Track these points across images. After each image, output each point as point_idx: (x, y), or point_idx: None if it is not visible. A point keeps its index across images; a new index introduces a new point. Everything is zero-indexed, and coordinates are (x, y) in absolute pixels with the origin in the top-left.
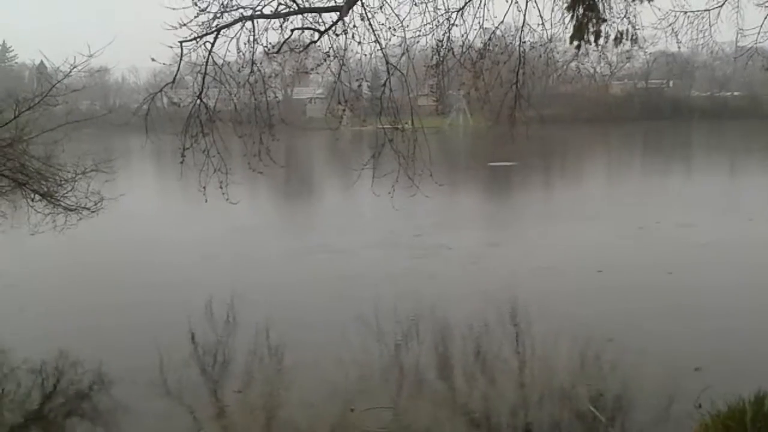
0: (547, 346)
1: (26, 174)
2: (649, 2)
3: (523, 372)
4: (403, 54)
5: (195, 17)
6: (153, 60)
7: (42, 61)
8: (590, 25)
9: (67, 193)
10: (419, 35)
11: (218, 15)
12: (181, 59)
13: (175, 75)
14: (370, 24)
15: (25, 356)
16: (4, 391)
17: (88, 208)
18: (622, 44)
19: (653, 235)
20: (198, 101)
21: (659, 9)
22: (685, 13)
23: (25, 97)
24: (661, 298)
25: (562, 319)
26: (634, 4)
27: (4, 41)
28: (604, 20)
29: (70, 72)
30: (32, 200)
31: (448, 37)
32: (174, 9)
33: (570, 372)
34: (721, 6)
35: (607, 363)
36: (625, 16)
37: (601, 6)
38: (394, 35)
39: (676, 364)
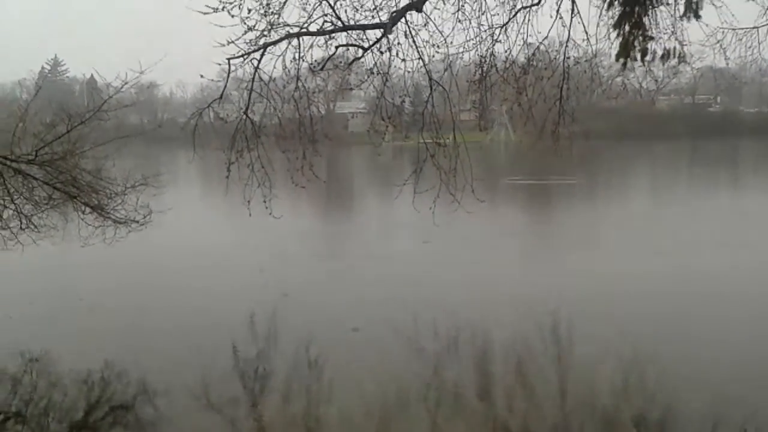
0: None
1: (77, 187)
2: (696, 19)
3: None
4: (446, 70)
5: (243, 35)
6: (202, 76)
7: (92, 76)
8: (636, 43)
9: (116, 206)
10: (462, 51)
11: (265, 33)
12: (228, 75)
13: (222, 91)
14: (413, 41)
15: (71, 366)
16: (50, 401)
17: (137, 221)
18: (669, 61)
19: None
20: (244, 116)
21: (707, 25)
22: (734, 30)
23: (77, 112)
24: None
25: None
26: (682, 21)
27: (56, 55)
28: (651, 38)
29: (122, 88)
30: (83, 213)
31: (492, 52)
32: (222, 27)
33: None
34: None
35: None
36: (672, 33)
37: (647, 22)
38: (438, 52)
39: None
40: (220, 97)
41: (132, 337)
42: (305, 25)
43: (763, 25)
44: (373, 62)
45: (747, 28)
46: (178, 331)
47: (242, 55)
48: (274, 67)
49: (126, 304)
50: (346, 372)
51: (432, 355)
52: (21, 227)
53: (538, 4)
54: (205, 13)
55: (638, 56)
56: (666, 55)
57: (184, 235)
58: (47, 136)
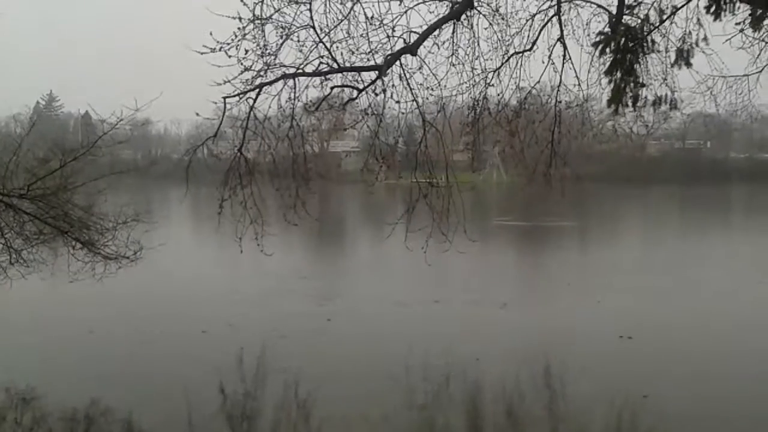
0: None
1: (69, 222)
2: (687, 67)
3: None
4: (439, 111)
5: (239, 74)
6: (197, 114)
7: (87, 112)
8: (628, 89)
9: (107, 241)
10: (456, 94)
11: (261, 73)
12: (224, 114)
13: (217, 129)
14: (408, 83)
15: (57, 403)
16: None
17: (128, 257)
18: (660, 108)
19: None
20: (238, 154)
21: (697, 72)
22: (724, 77)
23: (71, 148)
24: None
25: None
26: (673, 69)
27: (51, 91)
28: (643, 85)
29: (117, 124)
30: (73, 248)
31: (485, 95)
32: (219, 66)
33: None
34: (760, 71)
35: None
36: (663, 81)
37: (638, 70)
38: (432, 94)
39: None
40: (215, 135)
41: (119, 372)
42: (301, 66)
43: (753, 73)
44: (368, 103)
45: (737, 76)
46: (165, 365)
47: (238, 94)
48: (270, 106)
49: (115, 339)
50: None
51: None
52: (10, 262)
53: (530, 49)
54: (202, 53)
55: (630, 102)
56: (657, 102)
57: (173, 271)
58: (40, 171)
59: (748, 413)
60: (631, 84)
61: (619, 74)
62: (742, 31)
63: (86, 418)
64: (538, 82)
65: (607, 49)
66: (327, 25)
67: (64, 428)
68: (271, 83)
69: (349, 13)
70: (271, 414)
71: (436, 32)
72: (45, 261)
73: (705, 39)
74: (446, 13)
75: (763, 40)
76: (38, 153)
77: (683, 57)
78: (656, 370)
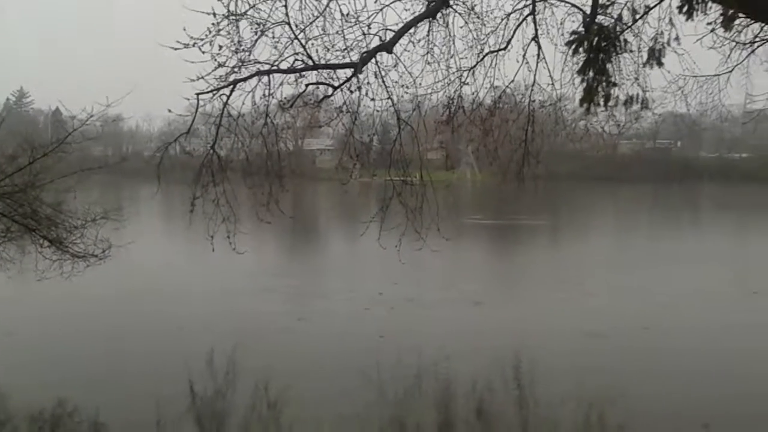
0: None
1: (36, 220)
2: (659, 66)
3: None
4: (414, 110)
5: (213, 71)
6: (169, 111)
7: (57, 108)
8: (600, 89)
9: (75, 239)
10: (431, 92)
11: (235, 69)
12: (197, 110)
13: (190, 125)
14: (383, 81)
15: (23, 404)
16: None
17: (96, 255)
18: (631, 107)
19: None
20: (211, 151)
21: (669, 72)
22: (695, 77)
23: (41, 144)
24: None
25: None
26: (644, 68)
27: (21, 87)
28: (615, 84)
29: (87, 121)
30: (41, 246)
31: (459, 94)
32: (192, 62)
33: None
34: (731, 71)
35: None
36: (635, 80)
37: (611, 69)
38: (407, 92)
39: None
40: (188, 132)
41: (86, 370)
42: (276, 62)
43: (723, 73)
44: (343, 101)
45: (708, 76)
46: (134, 364)
47: (211, 91)
48: (243, 103)
49: (83, 338)
50: None
51: None
52: None
53: (505, 48)
54: (175, 49)
55: (601, 102)
56: (629, 101)
57: (142, 270)
58: (8, 167)
59: (719, 411)
60: (603, 83)
61: (591, 73)
62: (713, 30)
63: (53, 417)
64: (513, 81)
65: (580, 49)
66: (302, 21)
67: (30, 428)
68: (245, 80)
69: (325, 9)
70: (241, 413)
71: (412, 30)
72: (12, 259)
73: (677, 39)
74: (422, 11)
75: (733, 40)
76: (7, 150)
77: (655, 56)
78: (625, 368)
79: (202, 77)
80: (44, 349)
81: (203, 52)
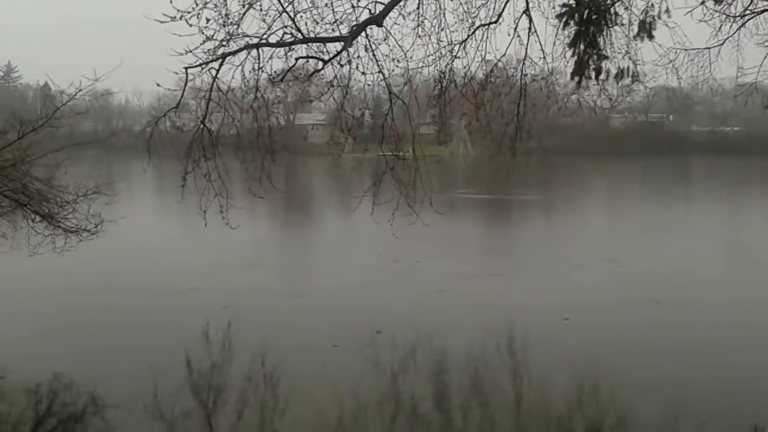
0: None
1: (28, 195)
2: (650, 39)
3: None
4: (405, 84)
5: (201, 44)
6: (158, 85)
7: (47, 83)
8: (591, 62)
9: (67, 214)
10: (422, 66)
11: (224, 43)
12: (185, 85)
13: (179, 100)
14: (373, 55)
15: (20, 378)
16: None
17: (88, 230)
18: (622, 80)
19: None
20: (201, 126)
21: (660, 45)
22: (686, 50)
23: (29, 119)
24: None
25: None
26: (636, 41)
27: (9, 61)
28: (606, 57)
29: (75, 95)
30: (33, 221)
31: (451, 68)
32: (180, 36)
33: None
34: (722, 44)
35: None
36: (626, 53)
37: (601, 42)
38: (398, 66)
39: None
40: (177, 106)
41: (81, 344)
42: (265, 36)
43: (714, 46)
44: (333, 75)
45: (699, 49)
46: (129, 339)
47: (200, 65)
48: (233, 77)
49: (77, 313)
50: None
51: None
52: None
53: (496, 22)
54: (162, 22)
55: (592, 75)
56: (620, 74)
57: (134, 244)
58: None
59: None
60: (594, 57)
61: (582, 46)
62: (703, 3)
63: (50, 391)
64: (504, 54)
65: (571, 21)
66: None
67: (27, 402)
68: (234, 53)
69: None
70: (238, 386)
71: (402, 3)
72: (4, 234)
73: (667, 11)
74: None
75: (724, 13)
76: None
77: (646, 29)
78: (611, 342)
79: (191, 51)
80: (38, 324)
81: (190, 25)
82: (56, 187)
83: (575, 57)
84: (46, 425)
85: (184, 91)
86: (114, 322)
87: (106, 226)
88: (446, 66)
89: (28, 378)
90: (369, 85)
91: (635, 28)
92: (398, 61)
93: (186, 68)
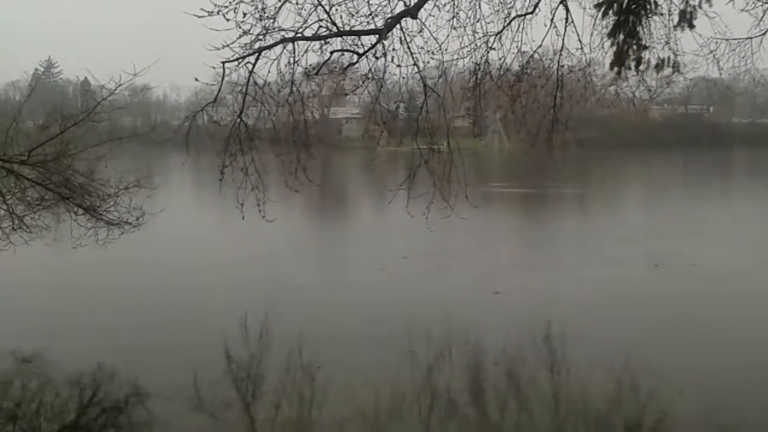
0: None
1: (70, 188)
2: (690, 29)
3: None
4: (440, 76)
5: (238, 38)
6: (196, 80)
7: (86, 78)
8: (631, 52)
9: (109, 207)
10: (457, 58)
11: (260, 37)
12: (222, 79)
13: (217, 94)
14: (408, 47)
15: (63, 368)
16: (42, 401)
17: (130, 223)
18: (663, 71)
19: None
20: (238, 120)
21: (700, 36)
22: (727, 40)
23: (70, 114)
24: None
25: None
26: (676, 31)
27: (50, 57)
28: (646, 47)
29: (116, 90)
30: (75, 214)
31: (486, 60)
32: (217, 30)
33: None
34: (764, 34)
35: None
36: (666, 44)
37: (641, 32)
38: (433, 58)
39: None
40: (214, 101)
41: (124, 336)
42: (300, 29)
43: (756, 36)
44: (368, 68)
45: (740, 39)
46: (170, 330)
47: (237, 59)
48: (269, 72)
49: (118, 303)
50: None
51: None
52: (13, 227)
53: (532, 12)
54: (200, 17)
55: (633, 65)
56: (660, 65)
57: (174, 237)
58: (40, 137)
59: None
60: (634, 46)
61: (621, 36)
62: None
63: (93, 382)
64: (540, 45)
65: (610, 11)
66: None
67: (71, 392)
68: (270, 47)
69: None
70: (275, 378)
71: None
72: (48, 227)
73: (708, 0)
74: None
75: (766, 2)
76: (38, 119)
77: (686, 19)
78: (652, 336)
79: (228, 45)
80: (79, 317)
81: (228, 20)
82: (98, 181)
83: (614, 47)
84: (89, 414)
85: (221, 85)
86: (155, 314)
87: (147, 218)
88: (481, 58)
89: (70, 369)
90: (404, 77)
91: (675, 18)
92: (433, 53)
93: (223, 62)
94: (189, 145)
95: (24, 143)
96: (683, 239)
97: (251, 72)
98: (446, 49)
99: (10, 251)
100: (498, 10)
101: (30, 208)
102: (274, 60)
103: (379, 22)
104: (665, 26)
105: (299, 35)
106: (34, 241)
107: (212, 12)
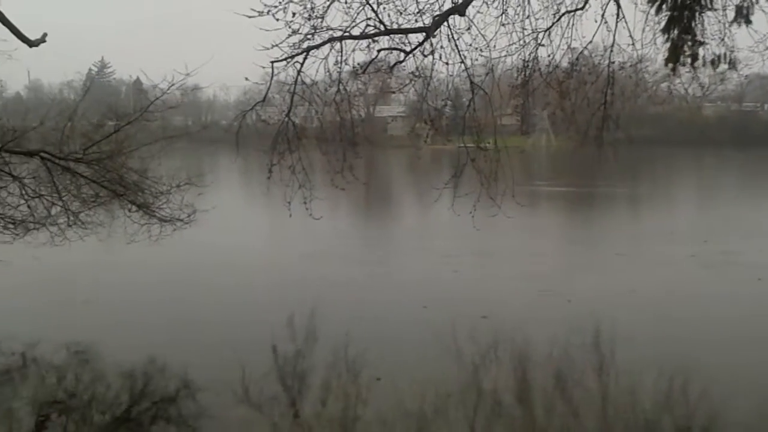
0: None
1: (124, 185)
2: (747, 25)
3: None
4: (487, 74)
5: (287, 38)
6: (246, 79)
7: (138, 78)
8: (686, 48)
9: (162, 204)
10: (505, 55)
11: (309, 36)
12: (272, 78)
13: (266, 94)
14: (456, 45)
15: (115, 361)
16: (94, 393)
17: (182, 220)
18: (718, 67)
19: None
20: (286, 119)
21: (756, 31)
22: None
23: (124, 113)
24: None
25: None
26: (731, 27)
27: (102, 57)
28: (702, 43)
29: (168, 89)
30: (129, 211)
31: (535, 57)
32: (267, 30)
33: None
34: None
35: None
36: (721, 40)
37: (695, 27)
38: (481, 55)
39: None
40: (263, 100)
41: (174, 332)
42: (348, 28)
43: None
44: (415, 66)
45: None
46: (219, 326)
47: (286, 59)
48: (317, 71)
49: (169, 299)
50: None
51: None
52: (68, 224)
53: (582, 8)
54: (250, 17)
55: (688, 61)
56: (715, 61)
57: (224, 234)
58: (95, 135)
59: None
60: (689, 42)
61: (676, 32)
62: None
63: (144, 374)
64: (591, 42)
65: (663, 6)
66: None
67: (123, 384)
68: (318, 47)
69: None
70: (321, 374)
71: None
72: (102, 223)
73: None
74: None
75: None
76: (92, 118)
77: (742, 14)
78: (705, 337)
79: (277, 45)
80: (131, 312)
81: (277, 20)
82: (150, 178)
83: (668, 43)
84: (140, 406)
85: (270, 84)
86: (203, 310)
87: (198, 215)
88: (530, 54)
89: (124, 361)
90: (450, 75)
91: (730, 13)
92: (481, 50)
93: (272, 62)
94: (239, 144)
95: (79, 141)
96: (740, 240)
97: (299, 71)
98: (494, 47)
99: (66, 246)
100: (547, 6)
101: (85, 204)
102: (322, 59)
103: (427, 20)
104: (719, 22)
105: (347, 34)
106: (89, 237)
107: (262, 12)
